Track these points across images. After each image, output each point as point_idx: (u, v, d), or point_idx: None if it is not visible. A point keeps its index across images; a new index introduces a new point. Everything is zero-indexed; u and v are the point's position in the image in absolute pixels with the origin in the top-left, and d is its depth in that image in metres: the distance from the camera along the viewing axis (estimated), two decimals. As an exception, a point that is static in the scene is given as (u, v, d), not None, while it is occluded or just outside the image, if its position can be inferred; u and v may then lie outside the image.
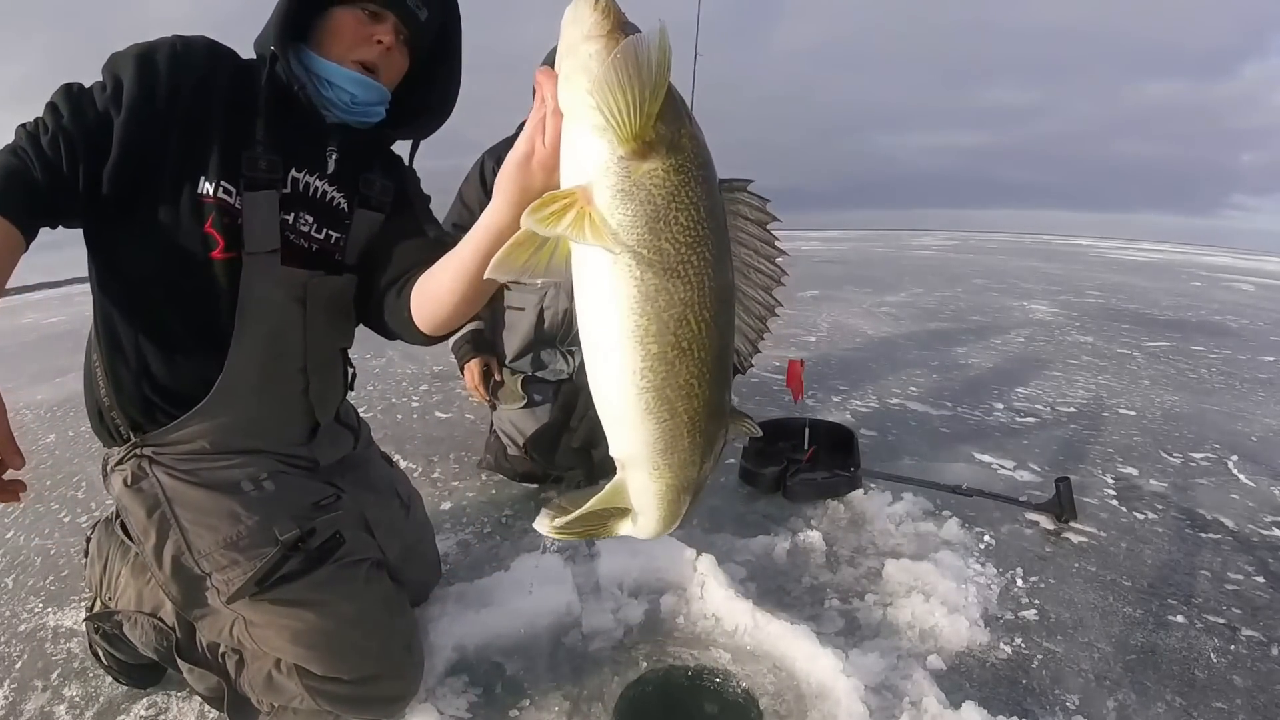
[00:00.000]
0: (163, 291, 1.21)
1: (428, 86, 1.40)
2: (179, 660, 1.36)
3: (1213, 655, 1.62)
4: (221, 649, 1.34)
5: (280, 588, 1.23)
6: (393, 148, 1.48)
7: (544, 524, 0.91)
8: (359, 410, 3.42)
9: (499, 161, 2.02)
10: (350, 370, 1.58)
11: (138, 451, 1.28)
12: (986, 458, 2.78)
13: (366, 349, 5.17)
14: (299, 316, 1.32)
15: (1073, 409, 3.48)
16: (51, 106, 1.11)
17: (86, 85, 1.14)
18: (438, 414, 3.40)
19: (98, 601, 1.49)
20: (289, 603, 1.24)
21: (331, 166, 1.33)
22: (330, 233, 1.35)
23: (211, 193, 1.18)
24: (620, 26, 0.71)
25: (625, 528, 0.92)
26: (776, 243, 0.80)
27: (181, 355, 1.25)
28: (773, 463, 2.41)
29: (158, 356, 1.24)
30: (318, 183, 1.33)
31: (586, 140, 0.71)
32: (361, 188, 1.38)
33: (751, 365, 0.91)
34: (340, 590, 1.28)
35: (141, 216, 1.16)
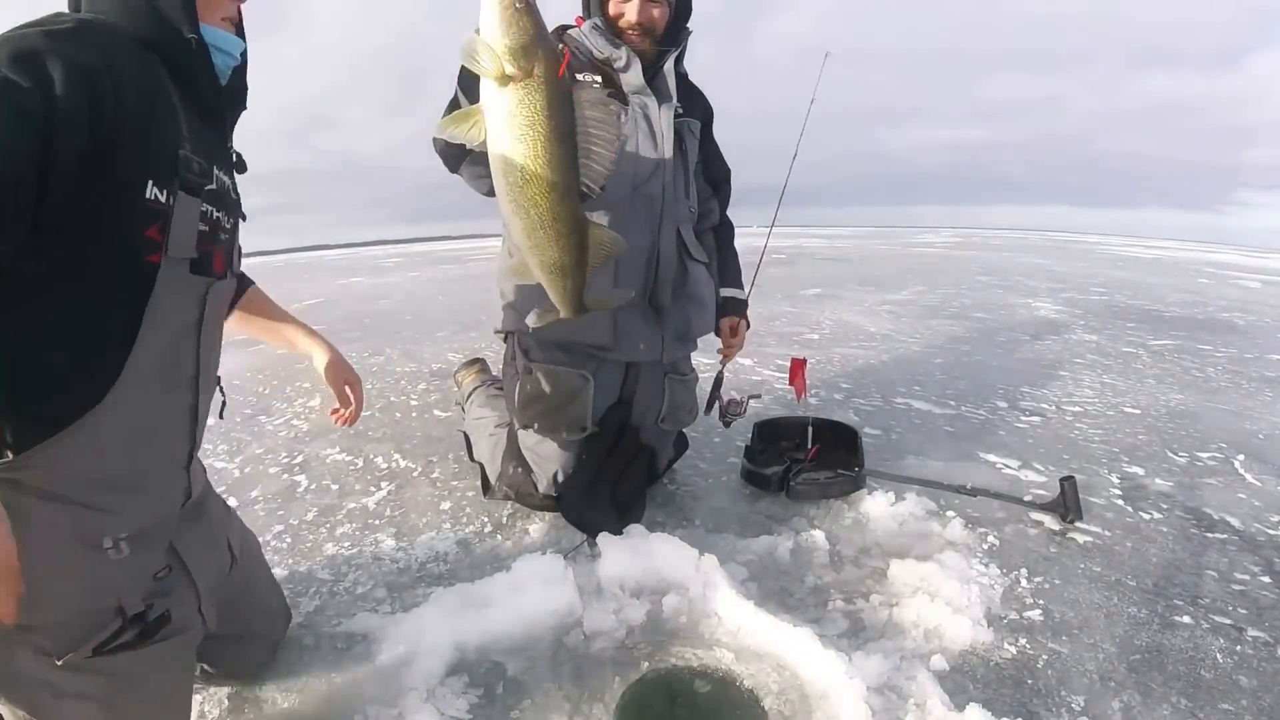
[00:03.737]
0: (65, 292, 1.06)
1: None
2: None
3: (1219, 656, 1.63)
4: None
5: (107, 658, 1.13)
6: None
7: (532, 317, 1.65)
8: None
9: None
10: (223, 398, 1.46)
11: (12, 473, 1.05)
12: (991, 457, 2.79)
13: (365, 347, 5.19)
14: (195, 326, 1.23)
15: (1078, 408, 3.49)
16: None
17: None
18: (436, 413, 3.41)
19: None
20: (108, 674, 1.14)
21: (235, 156, 1.26)
22: (228, 229, 1.27)
23: (158, 197, 1.08)
24: None
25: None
26: (611, 120, 1.36)
27: (71, 361, 1.08)
28: (775, 462, 2.41)
29: (43, 362, 1.06)
30: (227, 178, 1.25)
31: (481, 78, 1.29)
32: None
33: (602, 189, 1.40)
34: (156, 667, 1.20)
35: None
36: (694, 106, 2.23)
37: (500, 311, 2.23)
